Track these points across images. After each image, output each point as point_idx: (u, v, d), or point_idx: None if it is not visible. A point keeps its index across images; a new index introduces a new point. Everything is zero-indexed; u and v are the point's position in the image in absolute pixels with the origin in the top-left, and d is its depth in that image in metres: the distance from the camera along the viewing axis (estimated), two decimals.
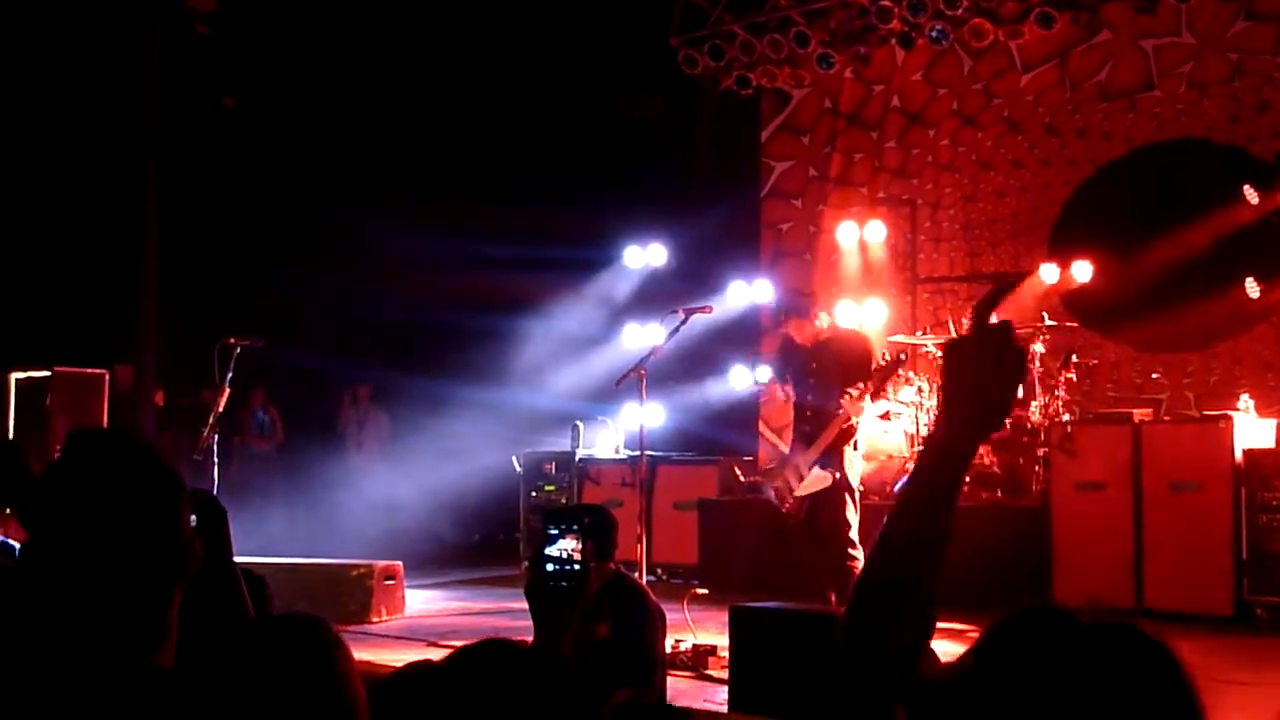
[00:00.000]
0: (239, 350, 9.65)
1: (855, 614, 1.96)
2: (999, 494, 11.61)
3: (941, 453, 1.97)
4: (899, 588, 1.94)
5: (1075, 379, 11.84)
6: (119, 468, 2.15)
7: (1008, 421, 11.58)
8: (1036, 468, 11.47)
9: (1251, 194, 12.21)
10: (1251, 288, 12.01)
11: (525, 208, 15.39)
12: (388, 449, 16.94)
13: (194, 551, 2.20)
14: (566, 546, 3.33)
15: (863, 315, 13.24)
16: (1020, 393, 2.09)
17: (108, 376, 12.28)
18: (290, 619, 2.10)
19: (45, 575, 2.11)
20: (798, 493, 8.92)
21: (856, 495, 8.89)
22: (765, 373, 12.07)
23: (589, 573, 3.30)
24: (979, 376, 1.96)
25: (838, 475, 8.79)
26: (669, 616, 6.44)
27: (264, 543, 10.68)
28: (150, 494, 2.14)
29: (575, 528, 3.39)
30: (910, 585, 1.94)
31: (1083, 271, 12.83)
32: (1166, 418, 12.06)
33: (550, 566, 3.36)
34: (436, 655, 1.97)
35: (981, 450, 11.55)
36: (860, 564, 7.61)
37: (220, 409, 9.57)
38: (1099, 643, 1.51)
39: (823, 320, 9.21)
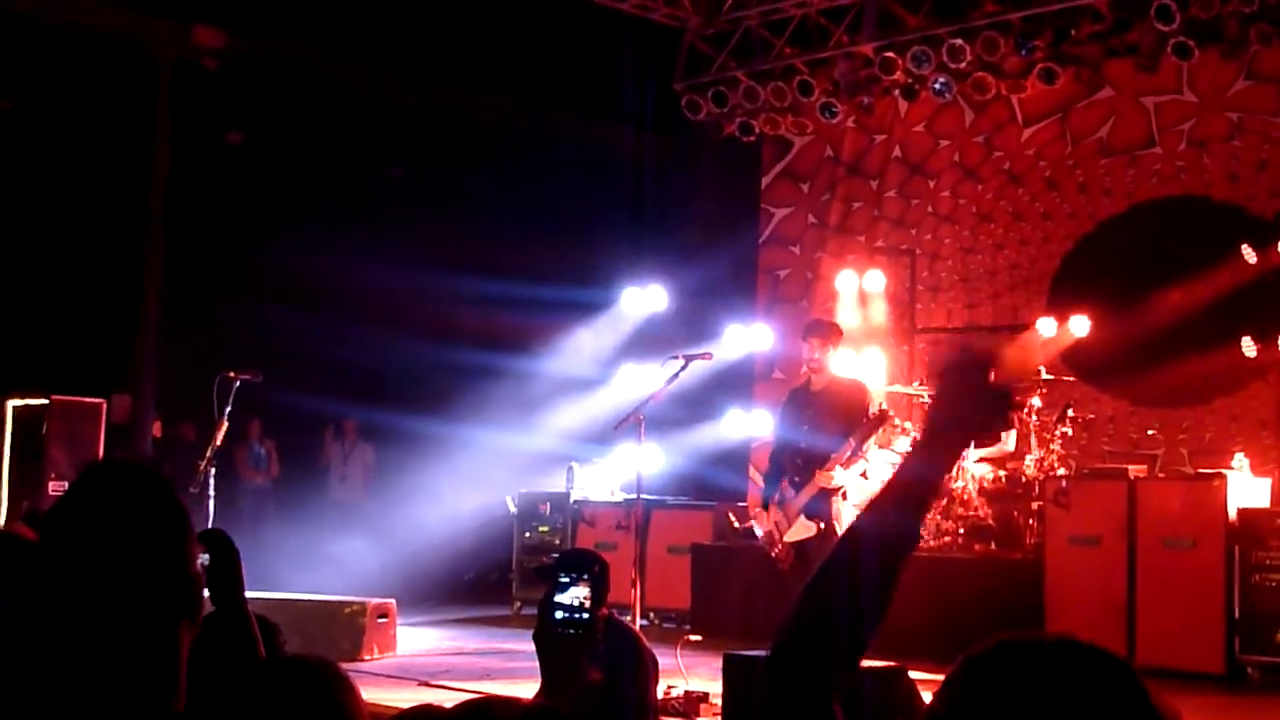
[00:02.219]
0: (238, 384, 9.67)
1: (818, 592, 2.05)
2: (992, 546, 11.60)
3: (926, 466, 2.10)
4: (863, 583, 2.02)
5: (1071, 433, 11.83)
6: (127, 504, 2.14)
7: (1003, 474, 11.58)
8: (1030, 521, 11.45)
9: (1249, 253, 12.27)
10: (1248, 346, 12.03)
11: (525, 248, 15.43)
12: (372, 483, 16.92)
13: (200, 590, 2.19)
14: (578, 594, 3.25)
15: (860, 364, 13.22)
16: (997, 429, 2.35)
17: (105, 406, 12.27)
18: (300, 660, 2.10)
19: (51, 615, 2.10)
20: (785, 538, 8.88)
21: None
22: (766, 416, 12.01)
23: (597, 621, 3.24)
24: (962, 408, 2.11)
25: (823, 525, 8.73)
26: (661, 662, 6.41)
27: (256, 578, 10.63)
28: (158, 531, 2.14)
29: (586, 575, 3.31)
30: (873, 583, 2.02)
31: (1081, 325, 12.86)
32: (1161, 474, 12.06)
33: (559, 614, 3.26)
34: (429, 695, 1.98)
35: (977, 502, 11.59)
36: None
37: (218, 442, 9.58)
38: (1059, 661, 1.54)
39: (828, 359, 9.13)
